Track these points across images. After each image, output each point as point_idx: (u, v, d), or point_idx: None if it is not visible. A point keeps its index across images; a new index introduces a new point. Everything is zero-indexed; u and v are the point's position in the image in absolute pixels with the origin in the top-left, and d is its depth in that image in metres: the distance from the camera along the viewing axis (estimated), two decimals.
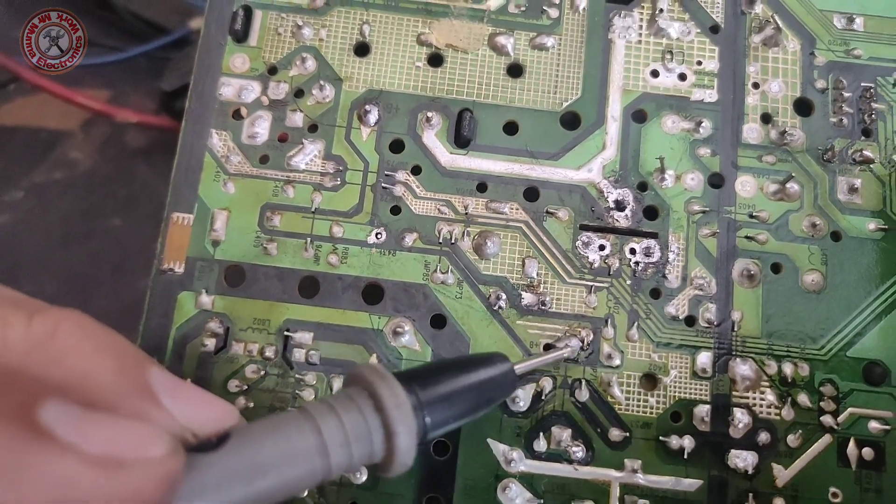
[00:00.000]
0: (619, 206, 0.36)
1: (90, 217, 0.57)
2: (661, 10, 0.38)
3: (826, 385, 0.34)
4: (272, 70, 0.37)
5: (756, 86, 0.37)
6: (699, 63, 0.38)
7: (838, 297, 0.35)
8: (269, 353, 0.34)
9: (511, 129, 0.37)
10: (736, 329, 0.34)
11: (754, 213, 0.36)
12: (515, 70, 0.38)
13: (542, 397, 0.34)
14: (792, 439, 0.33)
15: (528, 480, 0.33)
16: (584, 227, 0.36)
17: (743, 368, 0.34)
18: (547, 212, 0.36)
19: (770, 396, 0.34)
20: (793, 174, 0.36)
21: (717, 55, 0.38)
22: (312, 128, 0.37)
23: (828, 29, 0.38)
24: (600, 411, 0.34)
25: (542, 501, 0.33)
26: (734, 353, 0.34)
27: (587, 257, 0.35)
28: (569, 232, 0.35)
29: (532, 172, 0.36)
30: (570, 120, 0.37)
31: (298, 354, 0.34)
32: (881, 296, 0.35)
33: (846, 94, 0.37)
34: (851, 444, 0.33)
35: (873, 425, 0.33)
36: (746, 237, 0.35)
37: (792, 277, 0.35)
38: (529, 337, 0.34)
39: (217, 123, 0.36)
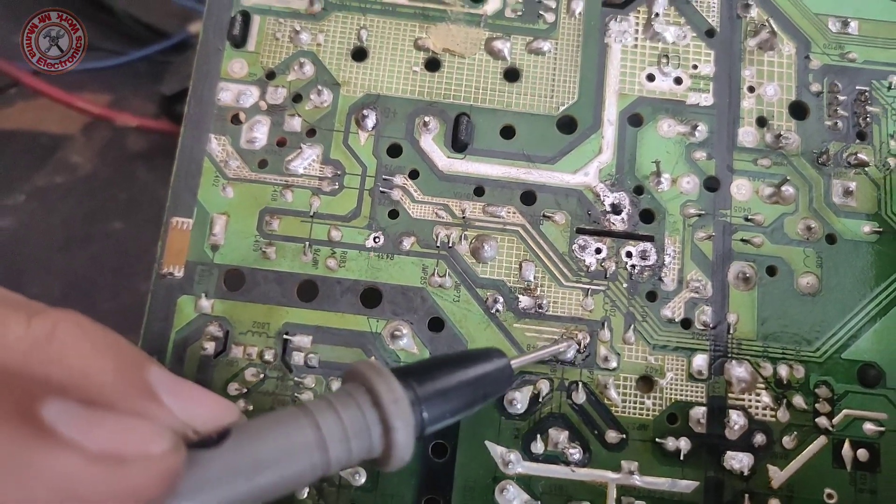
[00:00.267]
0: (616, 209, 0.36)
1: (91, 221, 0.57)
2: (657, 15, 0.38)
3: (821, 387, 0.34)
4: (270, 75, 0.37)
5: (751, 89, 0.37)
6: (695, 67, 0.38)
7: (833, 300, 0.35)
8: (269, 356, 0.34)
9: (508, 133, 0.37)
10: (732, 331, 0.35)
11: (750, 217, 0.36)
12: (512, 74, 0.38)
13: (540, 399, 0.34)
14: (787, 441, 0.33)
15: (525, 482, 0.33)
16: (581, 231, 0.36)
17: (739, 370, 0.34)
18: (544, 215, 0.36)
19: (765, 398, 0.34)
20: (787, 177, 0.36)
21: (712, 59, 0.38)
22: (311, 132, 0.37)
23: (823, 32, 0.38)
24: (597, 413, 0.34)
25: (539, 503, 0.33)
26: (730, 355, 0.34)
27: (584, 260, 0.35)
28: (565, 235, 0.36)
29: (529, 176, 0.36)
30: (567, 124, 0.37)
31: (297, 358, 0.34)
32: (876, 298, 0.35)
33: (841, 98, 0.37)
34: (846, 446, 0.33)
35: (868, 427, 0.34)
36: (742, 240, 0.36)
37: (787, 280, 0.35)
38: (526, 340, 0.35)
39: (216, 128, 0.37)
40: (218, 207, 0.36)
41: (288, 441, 0.24)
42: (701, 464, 0.33)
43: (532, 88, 0.38)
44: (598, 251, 0.36)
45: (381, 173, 0.36)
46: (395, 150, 0.37)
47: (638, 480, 0.33)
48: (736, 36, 0.38)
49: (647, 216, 0.36)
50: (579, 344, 0.34)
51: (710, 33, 0.38)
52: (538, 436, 0.33)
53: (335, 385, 0.34)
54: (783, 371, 0.34)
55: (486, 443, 0.34)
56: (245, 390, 0.34)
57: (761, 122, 0.37)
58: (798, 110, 0.37)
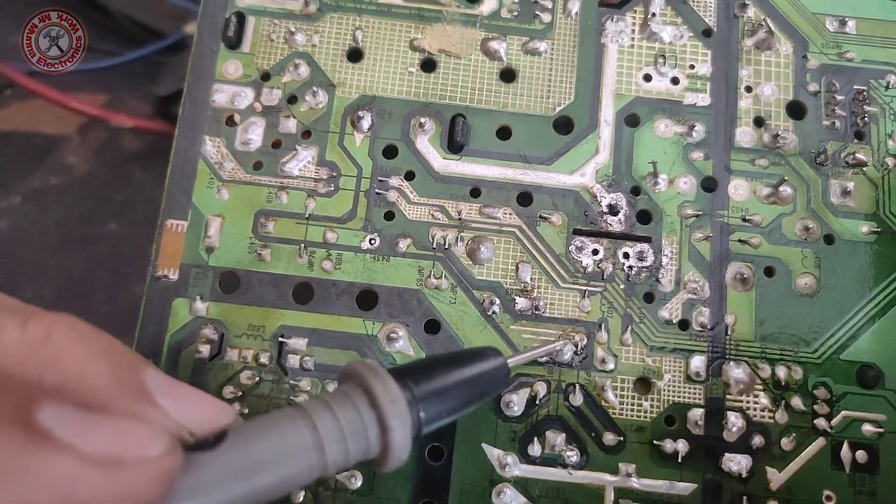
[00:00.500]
0: (613, 210, 0.36)
1: (87, 222, 0.57)
2: (654, 15, 0.38)
3: (819, 388, 0.34)
4: (265, 76, 0.37)
5: (749, 89, 0.37)
6: (692, 67, 0.38)
7: (831, 301, 0.35)
8: (264, 359, 0.34)
9: (504, 133, 0.37)
10: (729, 333, 0.35)
11: (747, 217, 0.36)
12: (508, 75, 0.38)
13: (537, 402, 0.34)
14: (786, 442, 0.33)
15: (522, 485, 0.33)
16: (578, 232, 0.36)
17: (736, 372, 0.34)
18: (540, 216, 0.36)
19: (764, 400, 0.34)
20: (785, 177, 0.36)
21: (709, 59, 0.38)
22: (306, 134, 0.37)
23: (820, 32, 0.38)
24: (594, 415, 0.34)
25: None
26: (728, 356, 0.34)
27: (581, 262, 0.35)
28: (562, 236, 0.36)
29: (525, 177, 0.36)
30: (563, 124, 0.37)
31: (293, 360, 0.34)
32: (874, 299, 0.35)
33: (839, 97, 0.37)
34: (845, 447, 0.33)
35: (867, 428, 0.34)
36: (739, 241, 0.35)
37: (785, 281, 0.35)
38: (523, 342, 0.34)
39: (210, 130, 0.37)
40: (213, 209, 0.36)
41: (285, 442, 0.24)
42: (699, 466, 0.33)
43: (528, 89, 0.37)
44: (595, 252, 0.35)
45: (377, 175, 0.36)
46: (390, 152, 0.36)
47: (636, 483, 0.33)
48: (733, 35, 0.38)
49: (644, 217, 0.36)
50: (576, 346, 0.34)
51: (706, 33, 0.38)
52: (535, 438, 0.33)
53: (331, 388, 0.34)
54: (781, 372, 0.34)
55: (483, 445, 0.33)
56: (240, 393, 0.34)
57: (759, 122, 0.37)
58: (796, 110, 0.37)
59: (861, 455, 0.33)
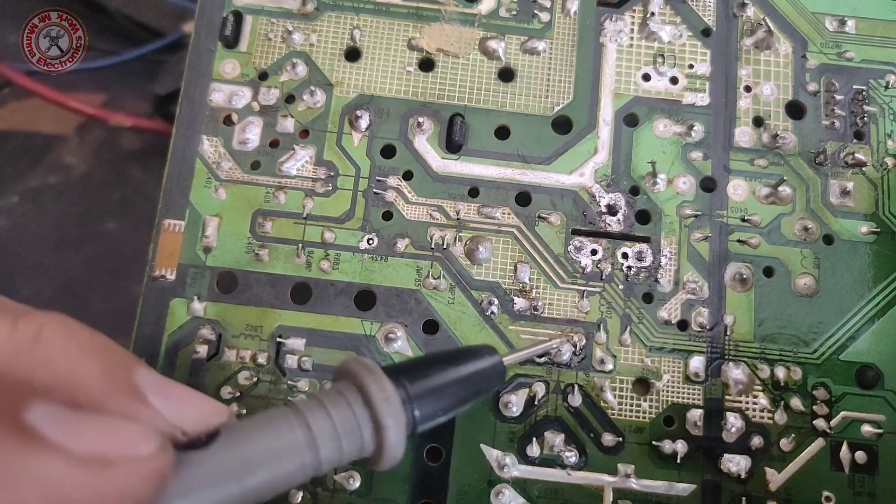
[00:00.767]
0: (611, 210, 0.36)
1: (85, 221, 0.57)
2: (653, 14, 0.38)
3: (819, 389, 0.34)
4: (263, 76, 0.37)
5: (748, 89, 0.37)
6: (691, 66, 0.38)
7: (831, 301, 0.35)
8: (262, 359, 0.34)
9: (503, 133, 0.37)
10: (728, 333, 0.34)
11: (746, 217, 0.35)
12: (507, 74, 0.38)
13: (535, 402, 0.34)
14: (785, 443, 0.33)
15: (521, 486, 0.33)
16: (576, 232, 0.36)
17: (735, 372, 0.34)
18: (539, 216, 0.36)
19: (763, 400, 0.34)
20: (784, 177, 0.36)
21: (708, 58, 0.38)
22: (303, 133, 0.36)
23: (820, 31, 0.38)
24: (593, 416, 0.34)
25: None
26: (727, 357, 0.34)
27: (579, 262, 0.35)
28: (561, 237, 0.35)
29: (524, 177, 0.36)
30: (562, 124, 0.37)
31: (291, 361, 0.34)
32: (874, 299, 0.35)
33: (838, 97, 0.37)
34: (844, 448, 0.33)
35: (866, 429, 0.33)
36: (739, 241, 0.35)
37: (784, 281, 0.35)
38: (522, 342, 0.34)
39: (208, 129, 0.36)
40: (210, 209, 0.36)
41: (278, 441, 0.24)
42: (698, 467, 0.33)
43: (527, 88, 0.37)
44: (594, 252, 0.35)
45: (375, 174, 0.36)
46: (388, 151, 0.36)
47: (634, 484, 0.33)
48: (732, 35, 0.38)
49: (643, 217, 0.36)
50: (575, 346, 0.34)
51: (706, 32, 0.38)
52: (534, 439, 0.33)
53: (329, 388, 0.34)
54: (780, 373, 0.34)
55: (482, 446, 0.33)
56: (238, 394, 0.34)
57: (758, 121, 0.37)
58: (795, 110, 0.37)
59: (860, 456, 0.33)
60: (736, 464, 0.33)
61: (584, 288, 0.35)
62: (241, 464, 0.23)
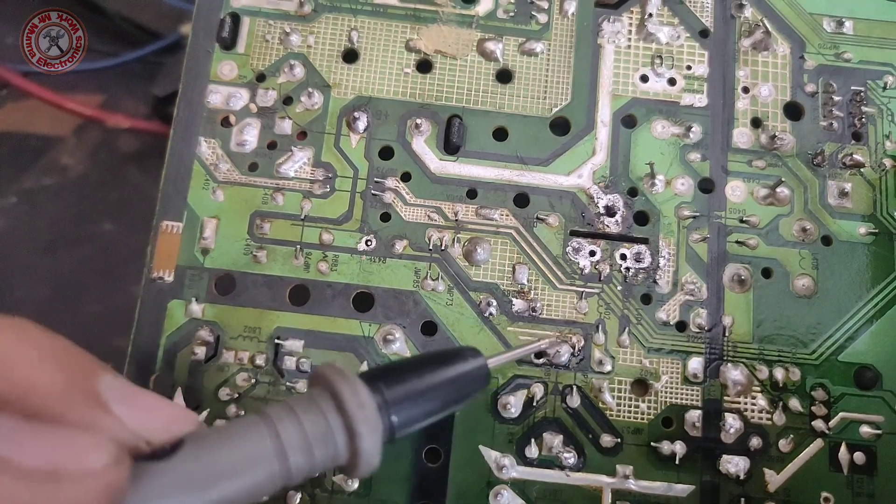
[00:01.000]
0: (610, 211, 0.36)
1: (81, 222, 0.57)
2: (651, 15, 0.38)
3: (817, 389, 0.34)
4: (260, 77, 0.37)
5: (746, 90, 0.37)
6: (689, 68, 0.38)
7: (829, 302, 0.35)
8: (260, 361, 0.34)
9: (500, 135, 0.37)
10: (727, 334, 0.34)
11: (745, 218, 0.35)
12: (504, 76, 0.38)
13: (534, 404, 0.34)
14: (783, 444, 0.33)
15: (520, 487, 0.33)
16: (575, 233, 0.36)
17: (734, 373, 0.34)
18: (537, 218, 0.36)
19: (761, 401, 0.34)
20: (783, 178, 0.36)
21: (706, 59, 0.38)
22: (301, 135, 0.36)
23: (817, 32, 0.38)
24: (592, 417, 0.34)
25: None
26: (725, 358, 0.34)
27: (578, 263, 0.35)
28: (559, 238, 0.35)
29: (522, 178, 0.36)
30: (560, 125, 0.37)
31: (289, 362, 0.34)
32: (872, 300, 0.35)
33: (836, 98, 0.37)
34: (843, 449, 0.33)
35: (865, 430, 0.33)
36: (737, 242, 0.35)
37: (783, 282, 0.35)
38: (520, 343, 0.34)
39: (205, 131, 0.36)
40: (208, 211, 0.35)
41: (244, 451, 0.23)
42: (696, 468, 0.33)
43: (525, 90, 0.37)
44: (593, 254, 0.35)
45: (373, 176, 0.36)
46: (386, 153, 0.36)
47: (633, 485, 0.33)
48: (730, 36, 0.38)
49: (641, 218, 0.36)
50: (573, 347, 0.34)
51: (703, 34, 0.38)
52: (532, 440, 0.33)
53: None
54: (779, 374, 0.34)
55: (480, 447, 0.33)
56: (236, 395, 0.34)
57: (756, 122, 0.37)
58: (793, 111, 0.37)
59: (859, 456, 0.33)
60: (735, 465, 0.33)
61: (582, 289, 0.35)
62: (206, 474, 0.23)
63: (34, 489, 0.18)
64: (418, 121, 0.36)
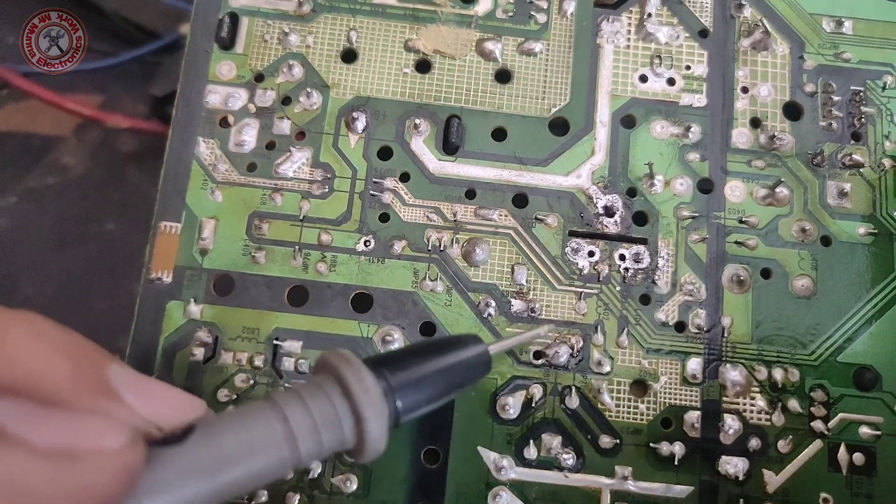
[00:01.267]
0: (609, 212, 0.36)
1: (84, 221, 0.57)
2: (650, 15, 0.38)
3: (816, 390, 0.34)
4: (259, 77, 0.37)
5: (745, 90, 0.37)
6: (688, 68, 0.37)
7: (828, 302, 0.35)
8: (259, 361, 0.34)
9: (499, 135, 0.37)
10: (726, 335, 0.34)
11: (744, 219, 0.35)
12: (503, 76, 0.37)
13: (533, 405, 0.34)
14: (782, 445, 0.33)
15: (518, 488, 0.33)
16: (574, 234, 0.35)
17: (733, 374, 0.34)
18: (536, 218, 0.36)
19: (760, 402, 0.34)
20: (782, 179, 0.36)
21: (705, 59, 0.38)
22: (300, 135, 0.36)
23: (817, 32, 0.38)
24: (591, 418, 0.34)
25: None
26: (724, 358, 0.34)
27: (576, 264, 0.35)
28: (558, 238, 0.35)
29: (521, 179, 0.36)
30: (559, 125, 0.37)
31: (288, 363, 0.34)
32: (871, 300, 0.35)
33: (835, 98, 0.37)
34: (842, 450, 0.33)
35: (864, 430, 0.33)
36: (736, 242, 0.35)
37: (782, 282, 0.35)
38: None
39: (204, 131, 0.36)
40: (207, 211, 0.35)
41: (254, 435, 0.24)
42: (695, 469, 0.33)
43: (524, 90, 0.37)
44: (591, 254, 0.35)
45: (372, 176, 0.36)
46: (385, 153, 0.36)
47: (632, 486, 0.33)
48: (729, 36, 0.38)
49: (640, 218, 0.36)
50: (572, 348, 0.34)
51: (703, 33, 0.38)
52: (531, 441, 0.33)
53: None
54: (778, 374, 0.34)
55: (479, 448, 0.33)
56: (235, 396, 0.34)
57: (755, 123, 0.37)
58: (792, 111, 0.37)
59: (858, 457, 0.33)
60: (734, 465, 0.33)
61: (581, 290, 0.35)
62: (217, 459, 0.23)
63: (51, 468, 0.19)
64: (417, 121, 0.36)
